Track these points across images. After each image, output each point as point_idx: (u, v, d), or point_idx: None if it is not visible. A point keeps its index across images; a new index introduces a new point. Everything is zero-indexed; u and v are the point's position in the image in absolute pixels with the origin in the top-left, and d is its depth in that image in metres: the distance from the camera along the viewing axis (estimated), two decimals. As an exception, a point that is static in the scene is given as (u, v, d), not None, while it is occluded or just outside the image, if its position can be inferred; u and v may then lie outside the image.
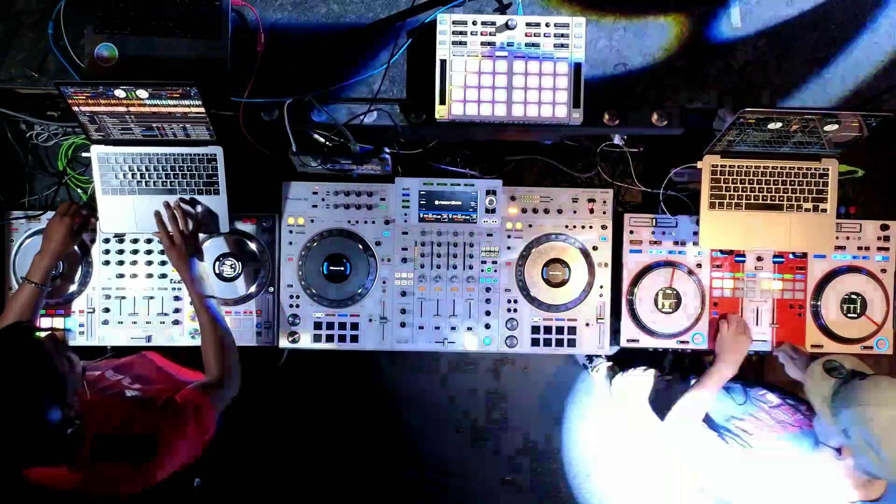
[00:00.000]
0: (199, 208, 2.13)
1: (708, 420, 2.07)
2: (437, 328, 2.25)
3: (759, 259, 2.28)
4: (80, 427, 1.49)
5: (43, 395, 1.40)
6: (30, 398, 1.38)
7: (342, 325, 2.25)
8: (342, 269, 2.23)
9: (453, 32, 1.95)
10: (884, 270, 2.28)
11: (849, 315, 2.26)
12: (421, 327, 2.25)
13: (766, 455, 1.87)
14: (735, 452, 1.91)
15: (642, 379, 2.49)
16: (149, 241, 2.24)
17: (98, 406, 1.63)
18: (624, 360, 2.70)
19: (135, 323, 2.23)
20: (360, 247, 2.24)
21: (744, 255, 2.27)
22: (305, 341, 2.24)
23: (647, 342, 2.28)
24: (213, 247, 2.22)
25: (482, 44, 1.96)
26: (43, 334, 1.48)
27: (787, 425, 1.97)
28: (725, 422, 2.06)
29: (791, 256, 2.28)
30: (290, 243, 2.24)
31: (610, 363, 2.81)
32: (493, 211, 2.24)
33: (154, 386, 1.86)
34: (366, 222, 2.25)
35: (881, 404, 1.62)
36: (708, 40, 2.08)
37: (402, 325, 2.25)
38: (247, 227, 2.25)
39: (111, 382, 1.83)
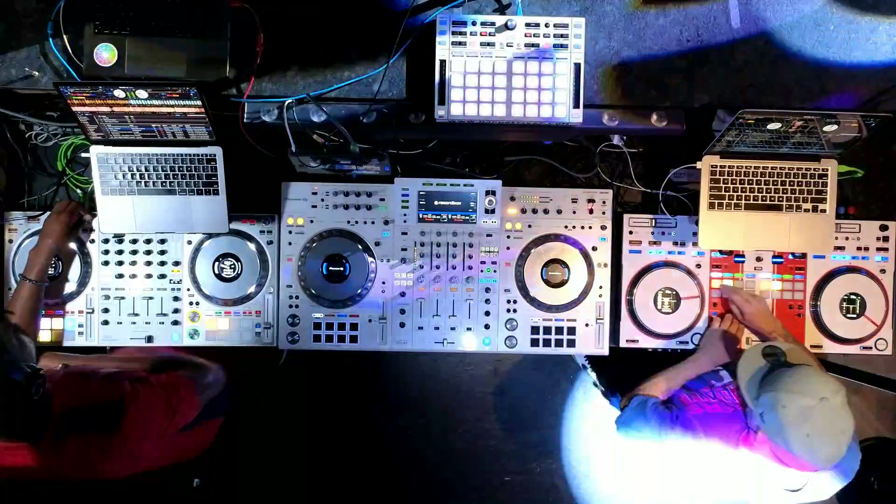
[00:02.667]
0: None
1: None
2: (437, 328, 2.25)
3: (759, 259, 2.28)
4: (48, 400, 1.54)
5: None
6: None
7: (342, 326, 2.24)
8: (342, 269, 2.22)
9: (453, 32, 1.95)
10: (883, 271, 2.28)
11: (848, 315, 2.26)
12: (420, 328, 2.25)
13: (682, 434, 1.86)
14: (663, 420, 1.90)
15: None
16: (148, 241, 2.23)
17: (66, 381, 1.66)
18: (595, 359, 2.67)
19: (134, 323, 2.23)
20: (360, 247, 2.24)
21: (743, 256, 2.27)
22: (305, 341, 2.24)
23: (646, 342, 2.28)
24: (213, 247, 2.23)
25: (482, 44, 1.96)
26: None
27: (724, 405, 1.90)
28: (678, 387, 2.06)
29: (790, 257, 2.28)
30: (290, 243, 2.24)
31: (586, 361, 2.79)
32: (493, 211, 2.24)
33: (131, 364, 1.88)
34: (365, 223, 2.25)
35: (796, 392, 1.59)
36: (708, 40, 2.08)
37: (402, 325, 2.25)
38: (246, 227, 2.25)
39: (86, 361, 1.87)
